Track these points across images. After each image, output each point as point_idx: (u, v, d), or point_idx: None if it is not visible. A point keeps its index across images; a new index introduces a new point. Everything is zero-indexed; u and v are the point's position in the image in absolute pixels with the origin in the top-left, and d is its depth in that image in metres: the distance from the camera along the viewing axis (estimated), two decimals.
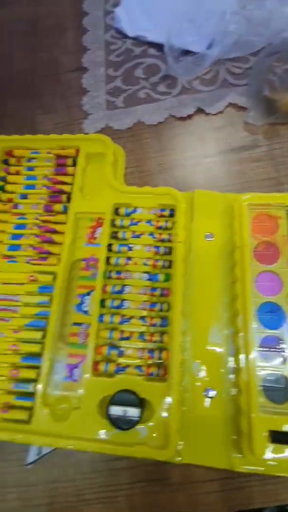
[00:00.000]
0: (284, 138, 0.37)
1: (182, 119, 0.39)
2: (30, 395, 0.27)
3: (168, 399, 0.26)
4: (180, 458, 0.25)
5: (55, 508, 0.26)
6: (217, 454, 0.25)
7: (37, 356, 0.28)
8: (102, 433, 0.25)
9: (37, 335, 0.29)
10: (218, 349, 0.28)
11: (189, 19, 0.42)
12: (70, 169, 0.35)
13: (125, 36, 0.46)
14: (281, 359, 0.26)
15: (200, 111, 0.39)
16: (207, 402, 0.27)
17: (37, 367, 0.28)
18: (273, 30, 0.37)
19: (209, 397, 0.27)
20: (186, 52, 0.41)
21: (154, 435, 0.25)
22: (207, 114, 0.39)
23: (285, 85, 0.36)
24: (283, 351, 0.26)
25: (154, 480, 0.26)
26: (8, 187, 0.35)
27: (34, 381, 0.27)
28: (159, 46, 0.43)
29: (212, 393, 0.27)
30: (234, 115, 0.38)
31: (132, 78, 0.42)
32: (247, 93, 0.39)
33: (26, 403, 0.27)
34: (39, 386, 0.27)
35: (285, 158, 0.36)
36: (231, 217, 0.32)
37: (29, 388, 0.27)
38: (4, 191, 0.35)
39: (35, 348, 0.28)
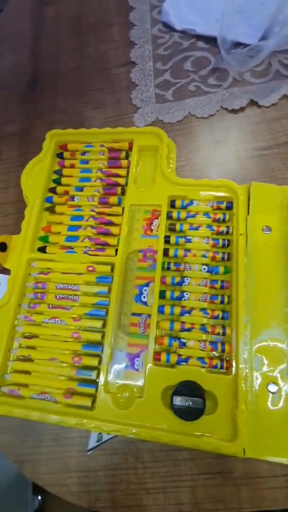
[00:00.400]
0: None
1: (234, 111, 0.39)
2: (93, 382, 0.28)
3: (233, 393, 0.26)
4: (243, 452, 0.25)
5: (116, 495, 0.27)
6: (282, 450, 0.25)
7: (98, 344, 0.29)
8: (166, 423, 0.26)
9: (97, 323, 0.29)
10: (280, 344, 0.27)
11: (240, 10, 0.41)
12: (123, 162, 0.36)
13: (172, 29, 0.45)
14: None
15: (252, 103, 0.39)
16: (269, 396, 0.26)
17: (99, 355, 0.28)
18: None
19: (271, 392, 0.26)
20: (237, 45, 0.40)
21: (218, 428, 0.25)
22: (260, 106, 0.38)
23: None
24: None
25: (216, 473, 0.26)
26: (64, 180, 0.36)
27: (96, 368, 0.28)
28: (207, 39, 0.43)
29: (274, 388, 0.26)
30: None
31: (181, 71, 0.42)
32: None
33: (89, 390, 0.27)
34: (101, 374, 0.27)
35: None
36: None
37: (92, 375, 0.28)
38: (60, 184, 0.36)
39: (95, 337, 0.29)
